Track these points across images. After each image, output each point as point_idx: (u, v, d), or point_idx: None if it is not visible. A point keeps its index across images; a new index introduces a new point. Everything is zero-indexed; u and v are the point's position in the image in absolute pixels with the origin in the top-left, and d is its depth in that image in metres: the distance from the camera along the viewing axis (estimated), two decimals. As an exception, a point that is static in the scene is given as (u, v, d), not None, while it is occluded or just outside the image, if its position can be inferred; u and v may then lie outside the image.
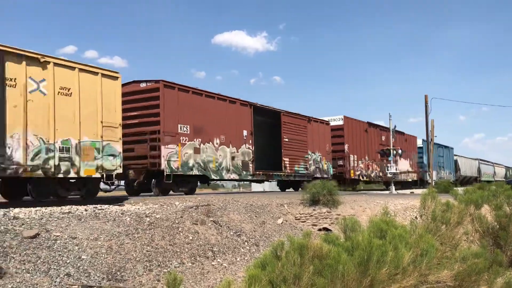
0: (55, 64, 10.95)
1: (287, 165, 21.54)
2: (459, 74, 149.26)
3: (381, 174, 29.99)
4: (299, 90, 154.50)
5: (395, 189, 28.52)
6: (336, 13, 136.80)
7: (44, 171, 10.61)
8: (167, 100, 15.31)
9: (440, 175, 40.97)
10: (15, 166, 10.06)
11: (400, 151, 28.31)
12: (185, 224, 9.59)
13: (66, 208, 9.50)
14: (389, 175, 27.92)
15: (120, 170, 12.39)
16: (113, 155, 12.16)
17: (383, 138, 30.71)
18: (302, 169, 22.62)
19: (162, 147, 14.86)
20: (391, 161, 27.96)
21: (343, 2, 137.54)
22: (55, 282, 6.32)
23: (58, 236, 7.54)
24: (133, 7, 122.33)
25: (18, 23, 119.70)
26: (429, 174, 33.83)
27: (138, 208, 10.40)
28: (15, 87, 10.18)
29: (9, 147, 9.97)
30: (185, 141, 15.82)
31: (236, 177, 18.57)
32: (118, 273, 7.09)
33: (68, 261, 6.88)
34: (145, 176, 15.03)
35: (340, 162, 26.17)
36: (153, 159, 14.86)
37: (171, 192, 15.74)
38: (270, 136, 21.19)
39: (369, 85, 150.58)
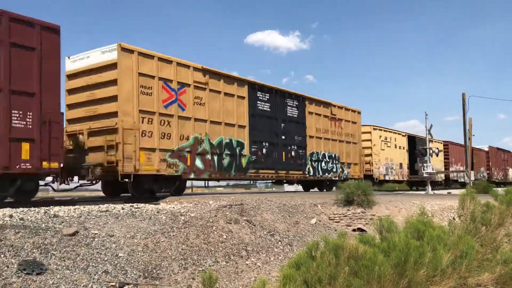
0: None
1: None
2: (498, 70, 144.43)
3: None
4: (332, 88, 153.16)
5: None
6: (368, 11, 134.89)
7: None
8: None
9: None
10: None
11: (436, 150, 28.37)
12: (219, 223, 9.66)
13: (103, 207, 9.74)
14: (425, 175, 27.60)
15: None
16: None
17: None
18: None
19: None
20: (428, 160, 27.71)
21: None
22: (93, 279, 6.48)
23: (96, 234, 7.73)
24: (166, 6, 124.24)
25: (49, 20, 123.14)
26: (467, 174, 33.18)
27: (173, 207, 10.55)
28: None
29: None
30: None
31: None
32: (154, 271, 7.21)
33: (105, 259, 7.04)
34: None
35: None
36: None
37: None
38: None
39: (402, 83, 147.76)
